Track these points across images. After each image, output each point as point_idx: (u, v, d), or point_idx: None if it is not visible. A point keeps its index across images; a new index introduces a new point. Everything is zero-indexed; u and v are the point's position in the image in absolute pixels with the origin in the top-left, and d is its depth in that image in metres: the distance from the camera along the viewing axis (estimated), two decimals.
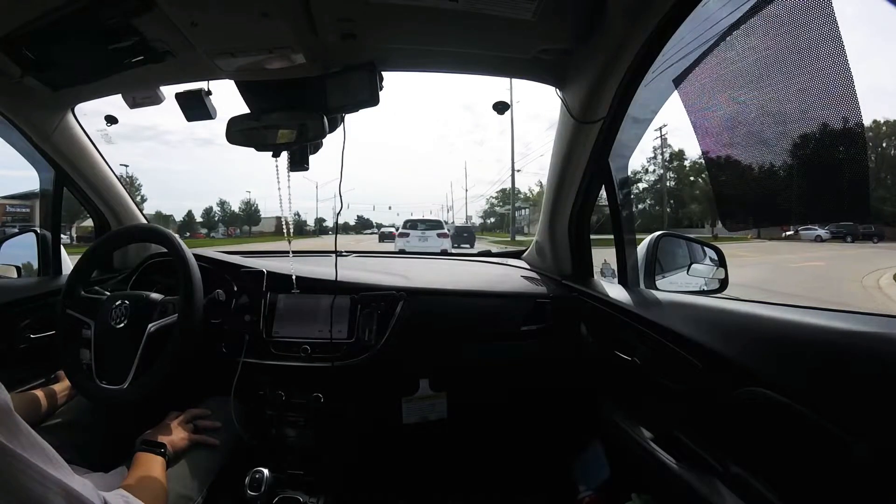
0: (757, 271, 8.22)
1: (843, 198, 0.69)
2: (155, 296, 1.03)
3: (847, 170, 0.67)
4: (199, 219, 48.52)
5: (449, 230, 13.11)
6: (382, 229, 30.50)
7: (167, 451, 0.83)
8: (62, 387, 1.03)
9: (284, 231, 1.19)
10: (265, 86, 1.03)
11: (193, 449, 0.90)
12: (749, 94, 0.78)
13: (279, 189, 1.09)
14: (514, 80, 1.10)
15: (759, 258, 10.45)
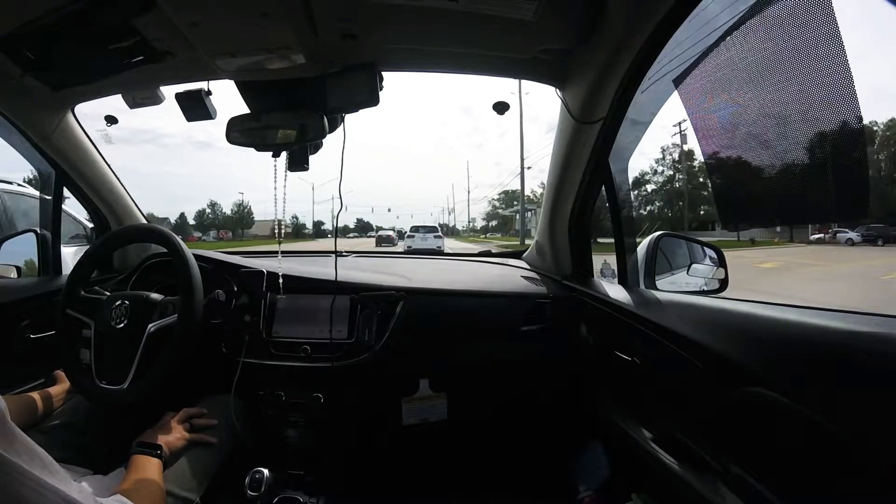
0: (854, 288, 6.77)
1: (844, 197, 0.69)
2: (155, 296, 1.03)
3: (847, 169, 0.67)
4: (192, 222, 47.96)
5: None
6: (381, 232, 27.56)
7: (163, 452, 0.83)
8: (60, 388, 1.02)
9: (276, 232, 1.20)
10: (265, 86, 1.03)
11: (190, 448, 0.90)
12: (749, 94, 0.78)
13: (275, 190, 1.09)
14: (515, 78, 1.10)
15: (829, 268, 9.08)
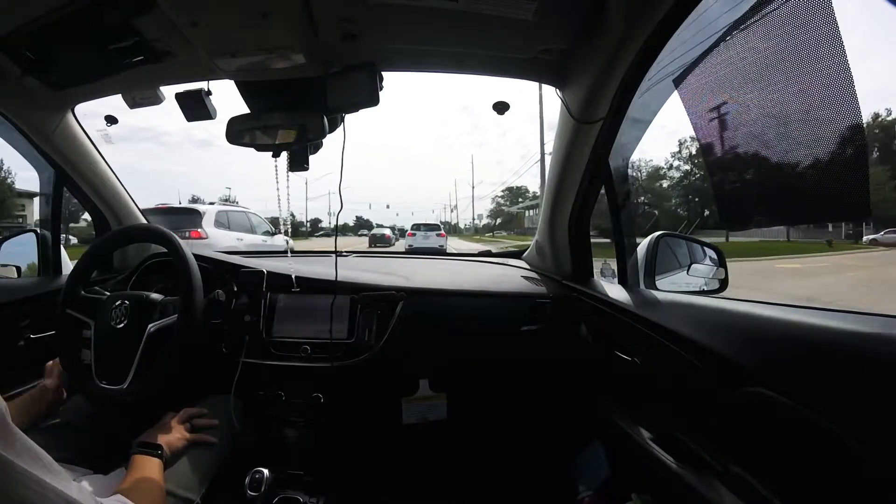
0: None
1: (845, 197, 0.69)
2: (155, 296, 1.03)
3: (848, 169, 0.67)
4: None
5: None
6: (374, 230, 22.57)
7: (163, 452, 0.83)
8: (53, 383, 0.99)
9: (281, 231, 1.21)
10: (265, 86, 1.03)
11: (191, 448, 0.90)
12: (749, 94, 0.78)
13: (278, 190, 1.09)
14: (515, 78, 1.10)
15: None
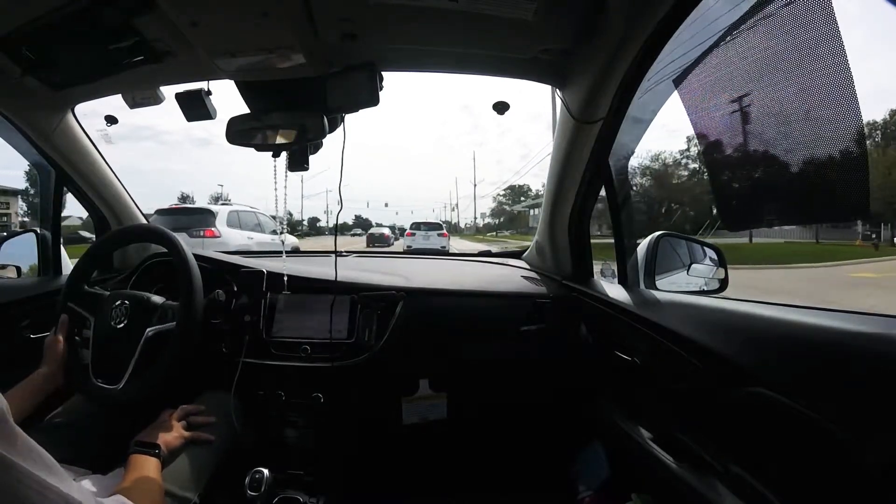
0: None
1: (845, 197, 0.69)
2: (156, 298, 1.02)
3: (848, 169, 0.67)
4: None
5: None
6: (372, 230, 21.86)
7: (161, 451, 0.83)
8: (51, 370, 0.96)
9: (278, 231, 1.21)
10: (265, 86, 1.03)
11: (189, 446, 0.90)
12: (749, 93, 0.78)
13: (276, 189, 1.09)
14: (515, 78, 1.10)
15: None
